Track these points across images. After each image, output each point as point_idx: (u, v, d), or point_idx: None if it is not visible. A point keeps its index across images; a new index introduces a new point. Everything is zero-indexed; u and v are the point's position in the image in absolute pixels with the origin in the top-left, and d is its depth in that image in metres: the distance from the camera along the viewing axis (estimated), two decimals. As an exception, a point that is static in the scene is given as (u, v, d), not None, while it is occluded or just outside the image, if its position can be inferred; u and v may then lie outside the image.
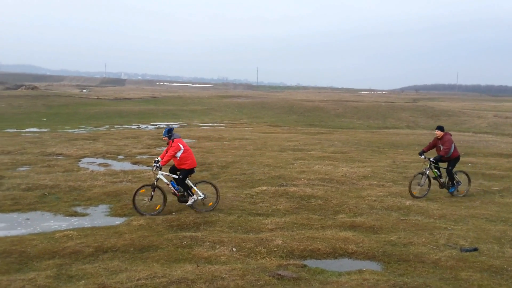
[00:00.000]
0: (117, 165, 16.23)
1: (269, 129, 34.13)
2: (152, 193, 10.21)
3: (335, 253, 7.84)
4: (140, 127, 33.48)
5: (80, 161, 16.94)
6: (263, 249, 7.84)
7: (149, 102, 57.08)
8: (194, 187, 10.40)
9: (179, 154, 10.11)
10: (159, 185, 10.32)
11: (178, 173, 10.36)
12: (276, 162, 16.82)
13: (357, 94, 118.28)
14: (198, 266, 6.98)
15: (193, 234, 8.65)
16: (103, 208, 10.78)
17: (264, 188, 12.55)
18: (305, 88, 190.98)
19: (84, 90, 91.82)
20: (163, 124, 35.29)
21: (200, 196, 10.38)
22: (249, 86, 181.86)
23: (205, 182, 11.01)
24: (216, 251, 7.79)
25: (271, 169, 15.45)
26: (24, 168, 15.29)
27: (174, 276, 6.49)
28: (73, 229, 8.91)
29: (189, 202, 10.26)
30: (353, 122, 43.59)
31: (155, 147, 20.63)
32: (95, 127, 32.52)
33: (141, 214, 9.96)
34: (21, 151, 18.46)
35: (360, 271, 7.03)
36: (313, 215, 10.21)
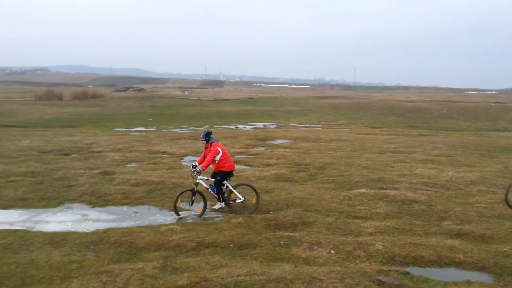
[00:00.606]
0: (215, 164, 16.74)
1: (367, 130, 33.30)
2: (193, 198, 10.36)
3: (441, 262, 7.42)
4: (238, 127, 34.32)
5: (182, 159, 17.72)
6: (362, 253, 7.64)
7: (247, 103, 58.35)
8: (234, 190, 10.35)
9: (217, 157, 10.16)
10: (199, 189, 10.41)
11: (217, 176, 10.36)
12: (375, 164, 16.34)
13: (463, 94, 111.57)
14: (296, 266, 6.98)
15: (291, 234, 8.66)
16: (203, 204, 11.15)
17: (363, 190, 12.24)
18: (405, 88, 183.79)
19: (186, 92, 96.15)
20: (260, 125, 35.87)
21: (240, 199, 10.33)
22: (346, 87, 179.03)
23: (245, 185, 10.85)
24: (314, 252, 7.73)
25: (369, 171, 15.05)
26: (133, 164, 16.32)
27: (272, 274, 6.54)
28: (177, 224, 9.34)
29: (216, 206, 10.44)
30: (459, 124, 41.18)
31: (252, 147, 21.01)
32: (196, 127, 33.89)
33: (179, 217, 10.03)
34: (130, 149, 19.72)
35: (469, 282, 6.59)
36: (416, 221, 9.76)
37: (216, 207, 10.47)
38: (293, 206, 10.69)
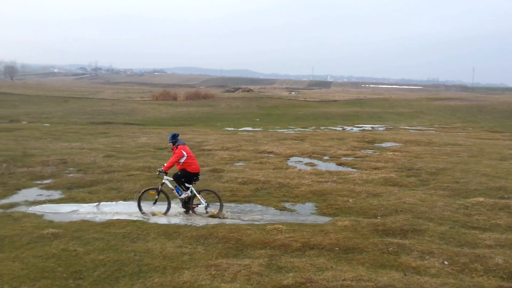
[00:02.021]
0: (322, 165, 16.64)
1: (486, 135, 30.92)
2: (157, 197, 10.42)
3: None
4: (345, 129, 33.78)
5: (288, 159, 17.85)
6: (479, 266, 7.10)
7: (354, 104, 57.25)
8: (198, 195, 10.33)
9: (182, 160, 10.20)
10: (164, 189, 10.45)
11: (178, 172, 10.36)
12: (495, 172, 15.10)
13: None
14: (405, 275, 6.68)
15: (400, 241, 8.32)
16: (309, 206, 11.14)
17: (481, 199, 11.37)
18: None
19: (293, 93, 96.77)
20: (367, 127, 34.99)
21: (202, 203, 10.26)
22: (463, 88, 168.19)
23: (210, 190, 10.81)
24: (425, 262, 7.34)
25: (489, 179, 13.94)
26: (240, 163, 16.78)
27: (380, 281, 6.33)
28: (282, 223, 9.39)
29: (182, 195, 10.31)
30: None
31: (359, 149, 20.55)
32: (302, 127, 33.95)
33: (143, 214, 10.16)
34: (238, 148, 20.29)
35: None
36: (543, 235, 8.85)
37: (181, 196, 10.35)
38: (402, 212, 10.25)
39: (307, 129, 32.62)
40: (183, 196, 10.39)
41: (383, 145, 22.63)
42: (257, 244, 8.07)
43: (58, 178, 13.48)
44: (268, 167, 15.80)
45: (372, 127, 35.13)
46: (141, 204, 10.36)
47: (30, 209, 10.47)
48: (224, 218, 10.07)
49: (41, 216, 9.92)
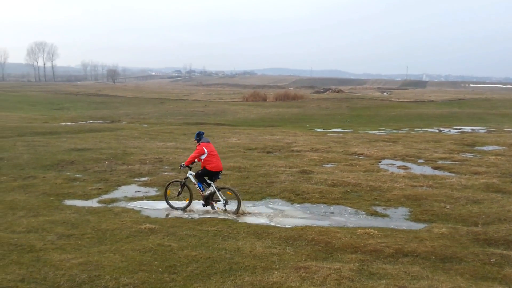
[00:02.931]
0: (417, 169, 15.93)
1: None
2: (180, 189, 10.89)
3: None
4: (441, 130, 32.12)
5: (380, 162, 17.30)
6: None
7: (452, 104, 54.35)
8: (217, 192, 10.54)
9: (203, 157, 10.47)
10: (187, 183, 10.87)
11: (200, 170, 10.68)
12: None
13: None
14: (510, 288, 6.17)
15: (504, 252, 7.70)
16: (402, 210, 10.69)
17: None
18: None
19: (385, 93, 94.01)
20: (467, 129, 32.99)
21: (221, 200, 10.49)
22: None
23: (228, 189, 10.89)
24: (534, 276, 6.72)
25: None
26: (330, 165, 16.55)
27: (481, 295, 5.90)
28: (373, 228, 9.10)
29: (206, 193, 10.62)
30: None
31: (458, 153, 19.39)
32: (395, 129, 32.81)
33: (170, 205, 10.79)
34: (327, 150, 20.04)
35: None
36: None
37: (205, 193, 10.64)
38: (506, 221, 9.50)
39: (400, 131, 31.46)
40: (206, 193, 10.69)
41: (485, 148, 21.16)
42: (347, 248, 7.89)
43: (154, 176, 14.17)
44: (359, 170, 15.43)
45: (472, 129, 33.04)
46: (167, 194, 10.99)
47: (129, 204, 11.12)
48: (242, 214, 10.29)
49: (138, 211, 10.48)
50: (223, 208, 10.54)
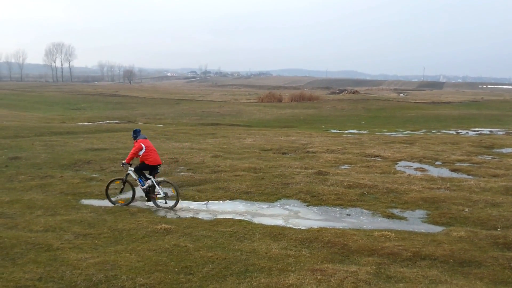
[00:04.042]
0: (434, 171, 15.73)
1: None
2: (122, 186, 11.23)
3: None
4: (459, 132, 31.73)
5: (396, 164, 17.12)
6: None
7: (470, 106, 53.72)
8: (157, 186, 10.88)
9: (141, 152, 10.85)
10: (128, 179, 11.22)
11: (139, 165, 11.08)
12: None
13: None
14: (531, 294, 6.05)
15: (524, 256, 7.56)
16: (419, 213, 10.57)
17: None
18: None
19: (401, 94, 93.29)
20: (485, 131, 32.52)
21: (160, 194, 10.85)
22: None
23: (167, 182, 11.26)
24: (556, 281, 6.58)
25: None
26: (346, 166, 16.44)
27: (502, 300, 5.79)
28: (390, 230, 9.00)
29: (144, 186, 10.97)
30: None
31: (476, 155, 19.12)
32: (412, 131, 32.49)
33: (112, 202, 11.04)
34: (343, 151, 19.91)
35: None
36: None
37: (143, 187, 11.00)
38: (526, 225, 9.33)
39: (417, 132, 31.14)
40: (145, 186, 10.99)
41: (503, 150, 20.84)
42: (364, 251, 7.81)
43: (170, 176, 14.21)
44: (375, 171, 15.29)
45: (490, 131, 32.56)
46: (109, 192, 11.28)
47: (145, 204, 11.16)
48: (177, 210, 10.66)
49: (154, 211, 10.53)
50: (164, 202, 10.93)
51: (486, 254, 7.69)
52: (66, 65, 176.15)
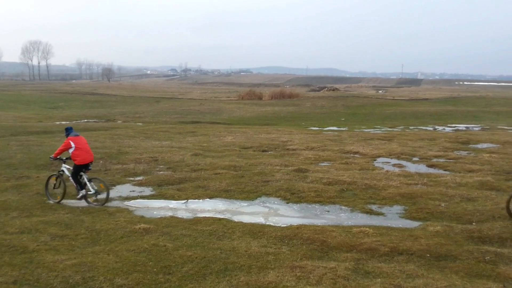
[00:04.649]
0: (411, 167, 15.94)
1: None
2: (55, 182, 11.32)
3: None
4: (436, 128, 32.19)
5: (375, 160, 17.30)
6: None
7: (447, 102, 54.53)
8: (88, 183, 10.92)
9: (71, 150, 10.81)
10: (64, 178, 11.28)
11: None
12: None
13: None
14: (504, 286, 6.20)
15: (498, 249, 7.72)
16: (397, 209, 10.70)
17: None
18: None
19: (380, 91, 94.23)
20: (461, 126, 33.08)
21: (90, 191, 10.87)
22: None
23: (97, 179, 11.33)
24: (528, 273, 6.73)
25: None
26: (325, 163, 16.54)
27: (476, 293, 5.91)
28: (368, 226, 9.09)
29: (78, 196, 10.92)
30: None
31: (452, 151, 19.44)
32: (390, 127, 32.83)
33: (48, 199, 11.16)
34: (323, 148, 20.03)
35: None
36: None
37: (78, 196, 10.97)
38: (500, 219, 9.52)
39: (395, 129, 31.48)
40: (79, 196, 10.98)
41: (479, 146, 21.22)
42: (342, 247, 7.88)
43: (149, 175, 14.12)
44: (354, 168, 15.43)
45: (466, 127, 33.13)
46: (48, 188, 11.43)
47: (123, 204, 11.06)
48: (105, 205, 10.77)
49: (133, 211, 10.44)
50: (95, 198, 11.00)
51: (461, 248, 7.82)
52: (43, 63, 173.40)
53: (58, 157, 11.18)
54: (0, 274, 6.54)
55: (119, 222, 9.26)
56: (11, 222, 9.24)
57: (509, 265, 7.07)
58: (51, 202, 11.08)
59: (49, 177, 11.57)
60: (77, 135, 11.24)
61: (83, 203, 11.06)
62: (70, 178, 11.07)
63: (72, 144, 10.85)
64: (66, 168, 11.32)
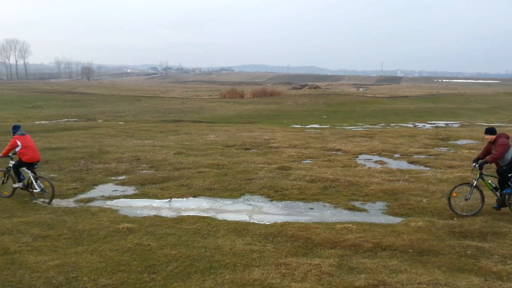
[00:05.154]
0: (393, 164, 16.12)
1: None
2: (4, 178, 11.56)
3: None
4: (416, 125, 32.63)
5: (357, 157, 17.45)
6: None
7: (426, 100, 55.23)
8: (34, 182, 11.06)
9: (18, 149, 11.00)
10: (11, 172, 11.40)
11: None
12: None
13: None
14: (486, 280, 6.30)
15: (479, 244, 7.85)
16: (380, 205, 10.81)
17: None
18: None
19: (361, 89, 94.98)
20: (441, 123, 33.59)
21: (36, 189, 11.03)
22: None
23: (43, 178, 11.41)
24: (507, 266, 6.87)
25: None
26: (308, 161, 16.62)
27: (458, 286, 6.02)
28: (352, 223, 9.17)
29: (14, 185, 11.26)
30: None
31: (433, 147, 19.72)
32: (371, 124, 33.16)
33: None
34: (305, 145, 20.12)
35: None
36: None
37: (14, 185, 11.29)
38: (481, 214, 9.70)
39: (376, 126, 31.82)
40: (15, 185, 11.26)
41: (458, 142, 21.57)
42: (326, 244, 7.93)
43: (131, 174, 14.01)
44: (337, 165, 15.54)
45: (446, 123, 33.67)
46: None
47: (106, 204, 10.96)
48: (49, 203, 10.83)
49: (116, 211, 10.34)
50: (41, 196, 11.11)
51: (443, 243, 7.95)
52: (20, 62, 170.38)
53: (6, 155, 11.28)
54: (-19, 276, 6.43)
55: (102, 222, 9.17)
56: (-9, 223, 9.08)
57: (490, 259, 7.20)
58: (3, 196, 11.33)
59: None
60: (24, 134, 11.36)
61: (61, 202, 10.95)
62: (11, 169, 11.35)
63: (19, 143, 11.02)
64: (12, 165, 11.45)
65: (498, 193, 9.92)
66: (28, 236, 8.29)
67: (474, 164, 10.14)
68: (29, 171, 11.16)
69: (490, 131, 10.09)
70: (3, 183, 11.56)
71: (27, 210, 10.16)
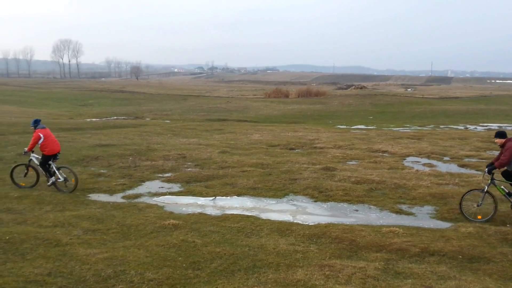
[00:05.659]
0: (442, 167, 15.65)
1: None
2: (26, 171, 12.08)
3: None
4: (467, 127, 31.55)
5: (404, 159, 17.05)
6: None
7: (478, 101, 53.35)
8: (57, 171, 11.67)
9: (40, 142, 11.42)
10: (32, 165, 12.00)
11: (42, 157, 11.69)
12: None
13: None
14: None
15: (534, 252, 7.51)
16: (428, 209, 10.52)
17: None
18: None
19: (409, 89, 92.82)
20: (494, 126, 32.32)
21: (60, 178, 11.67)
22: None
23: (66, 168, 12.11)
24: None
25: None
26: (353, 162, 16.39)
27: (511, 296, 5.76)
28: (398, 226, 8.97)
29: (48, 183, 11.69)
30: None
31: (485, 150, 18.99)
32: (420, 126, 32.34)
33: (16, 185, 11.94)
34: (350, 146, 19.85)
35: None
36: None
37: (48, 183, 11.73)
38: (533, 221, 9.26)
39: (425, 128, 30.99)
40: (49, 183, 11.70)
41: (512, 146, 20.65)
42: (372, 247, 7.79)
43: (177, 172, 14.24)
44: (383, 167, 15.23)
45: (499, 126, 32.35)
46: (14, 176, 12.09)
47: (153, 200, 11.20)
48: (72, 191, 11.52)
49: (162, 207, 10.54)
50: (65, 185, 11.74)
51: (495, 250, 7.65)
52: (73, 61, 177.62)
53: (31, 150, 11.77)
54: (35, 266, 6.71)
55: (149, 218, 9.37)
56: (45, 216, 9.47)
57: (545, 269, 6.87)
58: (22, 187, 11.87)
59: (14, 167, 12.25)
60: (44, 127, 11.78)
61: (109, 198, 11.27)
62: (39, 167, 11.80)
63: (41, 135, 11.49)
64: (34, 157, 11.92)
65: (511, 199, 9.50)
66: (79, 229, 8.59)
67: (486, 169, 9.68)
68: (51, 162, 11.76)
69: (500, 134, 9.80)
70: (25, 175, 12.12)
71: (78, 204, 10.52)
